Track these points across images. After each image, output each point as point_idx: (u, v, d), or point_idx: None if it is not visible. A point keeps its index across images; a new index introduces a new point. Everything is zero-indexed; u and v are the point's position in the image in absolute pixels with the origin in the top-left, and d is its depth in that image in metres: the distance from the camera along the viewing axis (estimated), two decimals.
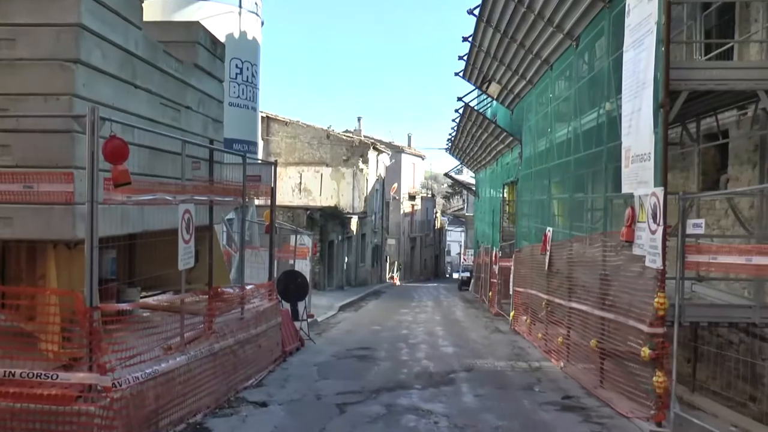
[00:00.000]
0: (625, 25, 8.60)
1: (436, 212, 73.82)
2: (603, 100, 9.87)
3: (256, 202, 13.14)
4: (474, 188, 37.85)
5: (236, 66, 13.96)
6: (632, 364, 7.91)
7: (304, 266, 17.55)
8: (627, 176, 8.38)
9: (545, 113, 14.85)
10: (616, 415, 7.89)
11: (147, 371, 6.40)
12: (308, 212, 27.91)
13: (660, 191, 7.19)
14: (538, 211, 15.72)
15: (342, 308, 23.26)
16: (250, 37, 15.46)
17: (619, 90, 8.96)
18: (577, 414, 8.07)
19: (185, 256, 7.58)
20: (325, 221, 29.38)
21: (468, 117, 21.58)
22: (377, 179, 44.57)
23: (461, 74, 20.89)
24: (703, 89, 7.42)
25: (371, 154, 41.69)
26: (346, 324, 18.51)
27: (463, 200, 63.93)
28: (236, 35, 14.72)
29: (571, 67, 12.15)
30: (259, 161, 12.27)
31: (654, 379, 7.16)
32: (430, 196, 71.82)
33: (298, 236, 17.80)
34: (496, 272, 23.68)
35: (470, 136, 24.09)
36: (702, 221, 6.93)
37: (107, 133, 5.93)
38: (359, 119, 45.33)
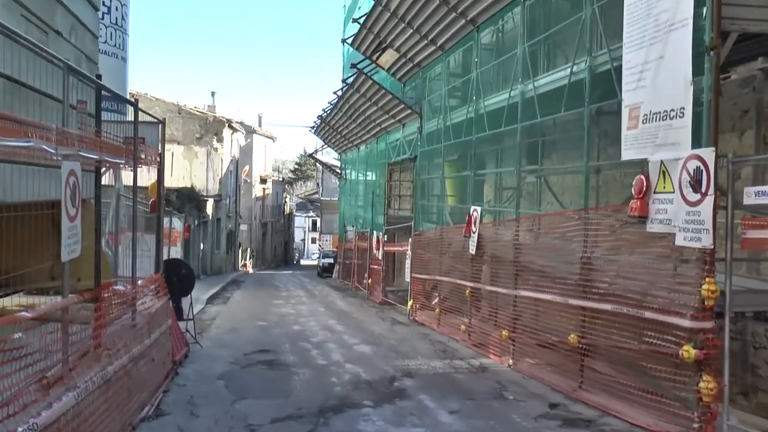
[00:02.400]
0: None
1: (286, 197, 71.43)
2: (581, 54, 8.43)
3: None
4: (339, 170, 36.02)
5: (103, 3, 10.85)
6: (652, 365, 6.54)
7: (174, 253, 14.77)
8: (636, 138, 6.98)
9: (466, 81, 13.36)
10: (639, 430, 6.48)
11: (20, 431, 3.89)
12: (164, 193, 24.47)
13: (709, 153, 5.83)
14: (455, 189, 14.26)
15: (209, 301, 20.46)
16: None
17: (614, 39, 7.57)
18: (590, 431, 6.57)
19: (70, 241, 5.03)
20: (182, 203, 26.08)
21: (357, 88, 19.62)
22: (231, 160, 41.30)
23: (349, 41, 18.96)
24: (755, 30, 6.16)
25: (226, 133, 38.41)
26: (223, 320, 15.93)
27: (318, 184, 61.87)
28: None
29: (511, 25, 10.70)
30: (153, 118, 9.46)
31: (701, 384, 5.80)
32: (280, 179, 69.16)
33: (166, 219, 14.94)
34: (380, 258, 22.19)
35: (354, 110, 22.15)
36: None
37: None
38: (213, 94, 41.86)
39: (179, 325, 10.93)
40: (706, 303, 5.82)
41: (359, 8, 27.40)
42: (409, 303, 16.70)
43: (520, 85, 10.28)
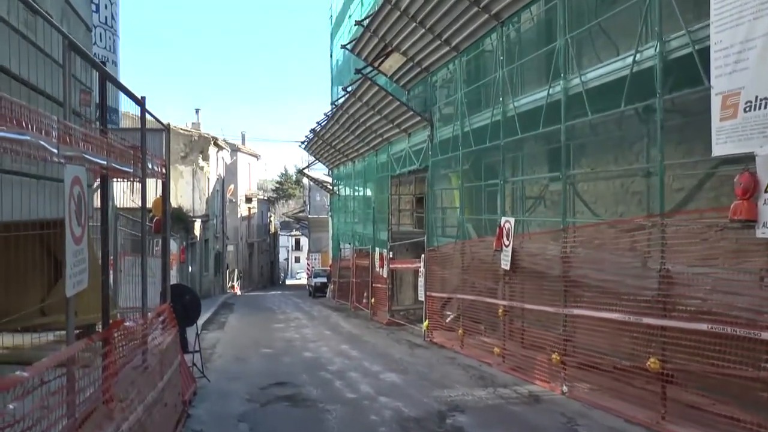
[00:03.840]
0: None
1: (271, 216, 70.09)
2: (650, 39, 7.47)
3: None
4: (331, 186, 34.87)
5: (91, 0, 9.66)
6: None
7: (172, 277, 13.51)
8: (734, 130, 5.98)
9: (489, 82, 12.39)
10: None
11: None
12: (150, 214, 23.16)
13: None
14: (468, 200, 13.19)
15: (204, 326, 19.17)
16: None
17: (698, 18, 6.62)
18: None
19: (77, 269, 3.87)
20: (171, 225, 24.74)
21: (359, 96, 18.55)
22: (217, 179, 39.97)
23: (349, 46, 17.97)
24: None
25: (212, 151, 37.14)
26: (225, 348, 14.71)
27: (304, 201, 60.42)
28: None
29: (529, 23, 9.74)
30: (159, 123, 8.30)
31: None
32: (265, 198, 67.76)
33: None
34: (384, 276, 21.04)
35: (353, 121, 21.06)
36: None
37: None
38: (197, 111, 40.29)
39: (185, 359, 9.73)
40: None
41: (349, 16, 26.47)
42: (425, 323, 15.57)
43: (562, 80, 9.30)
